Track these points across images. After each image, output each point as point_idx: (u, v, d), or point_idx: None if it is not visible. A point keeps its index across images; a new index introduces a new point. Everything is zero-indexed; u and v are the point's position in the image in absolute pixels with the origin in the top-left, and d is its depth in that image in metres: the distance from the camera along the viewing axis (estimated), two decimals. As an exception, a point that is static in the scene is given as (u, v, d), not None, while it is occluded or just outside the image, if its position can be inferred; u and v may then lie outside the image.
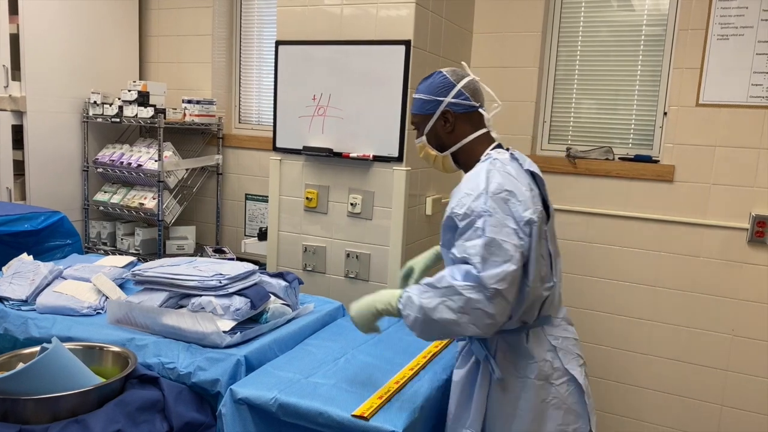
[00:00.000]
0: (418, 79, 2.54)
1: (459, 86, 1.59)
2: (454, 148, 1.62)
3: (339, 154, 2.63)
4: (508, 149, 1.62)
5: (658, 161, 2.77)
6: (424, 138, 1.64)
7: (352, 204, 2.64)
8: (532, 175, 1.57)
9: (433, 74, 1.64)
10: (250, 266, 2.03)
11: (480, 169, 1.51)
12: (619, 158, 2.84)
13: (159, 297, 1.91)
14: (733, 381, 2.69)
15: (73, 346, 1.63)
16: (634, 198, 2.78)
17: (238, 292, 1.89)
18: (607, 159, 2.84)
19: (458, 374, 1.61)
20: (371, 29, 2.53)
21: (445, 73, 1.62)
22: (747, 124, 2.56)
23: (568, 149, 2.89)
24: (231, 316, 1.81)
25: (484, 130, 1.62)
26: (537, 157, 2.98)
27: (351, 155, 2.59)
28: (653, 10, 2.79)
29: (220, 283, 1.88)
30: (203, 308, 1.81)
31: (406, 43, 2.45)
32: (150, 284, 1.97)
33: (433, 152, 1.64)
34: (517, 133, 2.98)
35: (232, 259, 2.87)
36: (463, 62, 1.69)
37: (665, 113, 2.75)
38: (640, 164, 2.76)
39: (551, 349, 1.53)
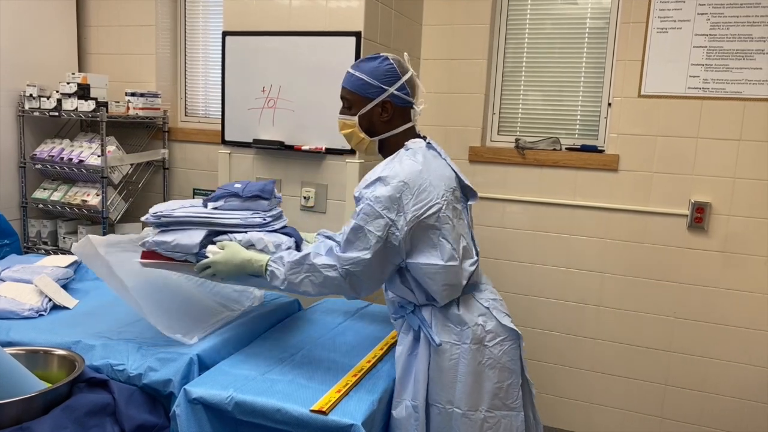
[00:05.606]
0: (369, 71, 2.55)
1: (404, 79, 1.63)
2: (382, 136, 1.67)
3: (291, 147, 2.59)
4: (425, 138, 1.69)
5: (603, 151, 2.85)
6: (356, 118, 1.66)
7: (305, 197, 2.62)
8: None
9: (377, 57, 1.64)
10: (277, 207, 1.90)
11: (390, 158, 1.61)
12: (566, 148, 2.92)
13: (198, 234, 1.70)
14: (675, 361, 2.81)
15: (15, 351, 1.56)
16: (581, 187, 2.86)
17: (281, 230, 1.79)
18: (554, 149, 2.90)
19: (399, 350, 1.67)
20: (321, 20, 2.50)
21: (392, 61, 1.63)
22: (685, 114, 2.67)
23: (516, 140, 2.94)
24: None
25: (410, 124, 1.68)
26: (487, 148, 3.02)
27: (303, 148, 2.57)
28: (596, 4, 2.86)
29: (264, 219, 1.76)
30: (253, 245, 1.70)
31: (357, 35, 2.44)
32: (179, 225, 1.73)
33: (362, 135, 1.67)
34: (467, 125, 3.01)
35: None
36: (405, 53, 1.71)
37: (609, 104, 2.83)
38: (586, 154, 2.84)
39: (483, 312, 1.62)
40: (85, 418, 1.41)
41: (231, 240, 1.70)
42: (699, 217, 2.68)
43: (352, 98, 1.65)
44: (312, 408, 1.41)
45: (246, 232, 1.72)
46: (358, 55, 2.44)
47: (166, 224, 1.75)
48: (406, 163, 1.55)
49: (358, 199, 1.56)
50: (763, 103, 2.56)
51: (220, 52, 2.68)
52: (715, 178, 2.66)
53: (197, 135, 3.42)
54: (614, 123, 2.79)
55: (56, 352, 1.60)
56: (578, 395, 2.99)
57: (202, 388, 1.51)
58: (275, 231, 1.77)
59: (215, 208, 1.78)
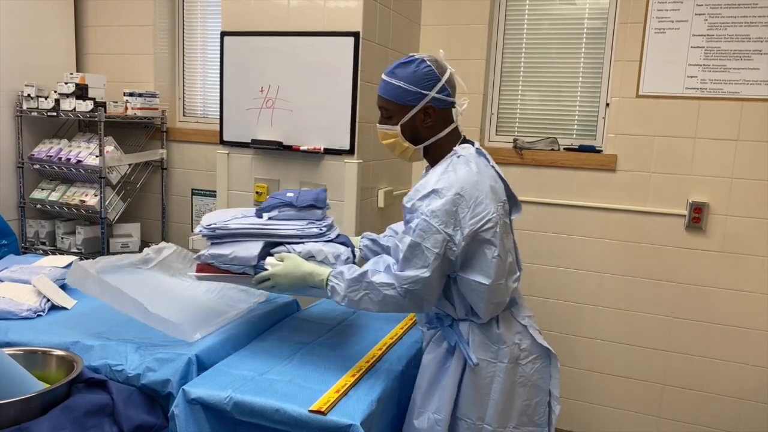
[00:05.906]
0: (368, 71, 2.55)
1: (443, 80, 1.55)
2: (428, 142, 1.59)
3: (289, 147, 2.59)
4: (473, 143, 1.63)
5: (601, 151, 2.85)
6: (398, 128, 1.57)
7: (303, 197, 2.61)
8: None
9: (413, 60, 1.54)
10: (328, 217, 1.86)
11: (443, 166, 1.53)
12: (564, 149, 2.92)
13: (256, 246, 1.66)
14: (673, 361, 2.81)
15: (13, 351, 1.55)
16: (579, 187, 2.86)
17: (336, 240, 1.76)
18: (552, 149, 2.91)
19: (427, 359, 1.64)
20: (319, 20, 2.50)
21: (429, 62, 1.53)
22: (683, 114, 2.67)
23: (515, 140, 2.94)
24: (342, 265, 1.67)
25: (454, 125, 1.61)
26: (485, 148, 3.01)
27: (301, 148, 2.57)
28: (594, 4, 2.87)
29: (321, 230, 1.72)
30: (312, 256, 1.67)
31: (355, 35, 2.44)
32: (234, 237, 1.70)
33: (406, 144, 1.59)
34: (465, 125, 2.98)
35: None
36: (441, 50, 1.62)
37: (607, 104, 2.84)
38: (584, 154, 2.84)
39: (520, 330, 1.59)
40: (83, 419, 1.41)
41: (289, 251, 1.66)
42: (697, 217, 2.69)
43: (391, 107, 1.56)
44: (311, 408, 1.41)
45: (303, 242, 1.69)
46: (356, 56, 2.45)
47: (221, 237, 1.70)
48: (461, 173, 1.48)
49: (410, 211, 1.50)
50: (760, 104, 2.57)
51: (219, 52, 2.68)
52: (713, 179, 2.66)
53: (195, 135, 3.42)
54: (612, 123, 2.79)
55: (54, 353, 1.60)
56: (577, 395, 2.99)
57: (200, 388, 1.51)
58: (331, 241, 1.74)
59: (270, 218, 1.74)
